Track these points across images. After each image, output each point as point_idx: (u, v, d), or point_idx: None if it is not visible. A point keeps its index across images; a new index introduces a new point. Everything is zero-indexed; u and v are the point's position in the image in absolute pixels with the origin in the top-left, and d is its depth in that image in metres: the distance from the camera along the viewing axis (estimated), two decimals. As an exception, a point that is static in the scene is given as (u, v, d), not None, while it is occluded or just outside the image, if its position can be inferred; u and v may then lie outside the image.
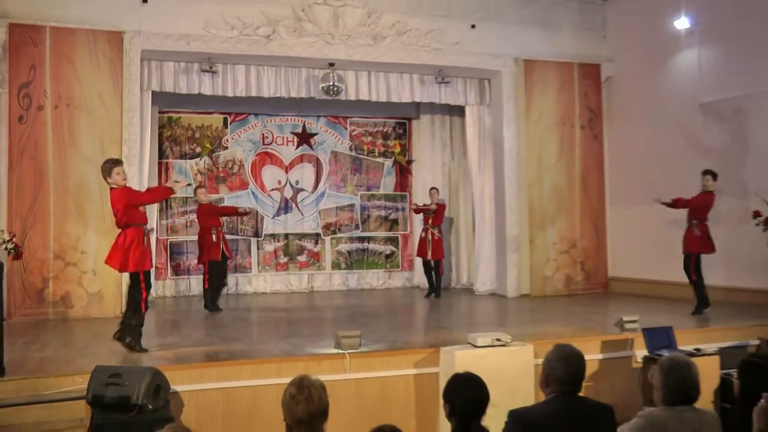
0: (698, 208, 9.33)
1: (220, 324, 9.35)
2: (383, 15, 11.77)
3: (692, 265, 9.30)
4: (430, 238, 12.00)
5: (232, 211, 11.45)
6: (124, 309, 7.84)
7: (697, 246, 9.30)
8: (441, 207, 12.28)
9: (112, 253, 6.97)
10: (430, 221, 12.04)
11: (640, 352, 7.25)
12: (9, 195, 9.82)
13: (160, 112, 12.83)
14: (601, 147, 12.96)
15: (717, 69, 10.73)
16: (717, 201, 9.43)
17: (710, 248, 9.36)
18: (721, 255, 9.65)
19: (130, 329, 7.11)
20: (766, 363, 4.69)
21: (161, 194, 7.79)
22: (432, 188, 12.48)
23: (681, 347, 6.99)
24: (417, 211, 12.52)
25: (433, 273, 12.19)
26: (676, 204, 9.51)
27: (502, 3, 12.44)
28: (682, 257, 9.39)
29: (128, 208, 6.91)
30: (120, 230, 7.01)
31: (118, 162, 7.08)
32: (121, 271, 7.24)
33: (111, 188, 6.97)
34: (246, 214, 11.91)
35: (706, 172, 9.38)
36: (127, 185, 7.17)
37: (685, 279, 9.43)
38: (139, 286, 7.08)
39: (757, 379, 4.45)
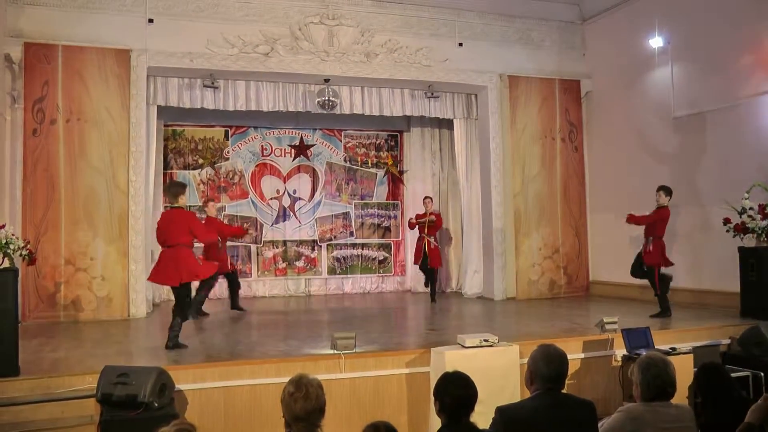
0: (652, 224, 9.24)
1: (221, 326, 9.34)
2: (376, 34, 11.81)
3: (656, 278, 9.29)
4: (426, 246, 11.80)
5: (239, 232, 11.61)
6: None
7: (656, 259, 9.22)
8: (439, 218, 12.21)
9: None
10: (426, 230, 11.85)
11: (620, 352, 7.26)
12: (23, 204, 9.81)
13: (165, 125, 12.85)
14: (582, 158, 12.98)
15: (688, 85, 10.76)
16: (688, 209, 9.41)
17: (666, 263, 9.28)
18: (693, 260, 9.65)
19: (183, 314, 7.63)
20: (719, 367, 4.88)
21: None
22: (426, 197, 12.24)
23: (658, 346, 6.99)
24: (413, 225, 12.14)
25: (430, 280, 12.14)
26: (629, 221, 9.44)
27: (488, 22, 12.47)
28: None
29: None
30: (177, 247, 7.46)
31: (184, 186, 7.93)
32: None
33: (174, 208, 7.60)
34: (246, 233, 12.07)
35: (659, 189, 9.28)
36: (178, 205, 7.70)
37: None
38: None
39: (709, 380, 4.55)
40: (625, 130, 12.05)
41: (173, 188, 7.85)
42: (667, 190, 9.27)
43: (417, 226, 12.07)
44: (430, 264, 11.82)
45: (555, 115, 12.77)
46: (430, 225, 11.84)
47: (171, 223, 7.47)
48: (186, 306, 7.65)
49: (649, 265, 9.27)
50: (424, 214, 12.01)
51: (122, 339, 8.41)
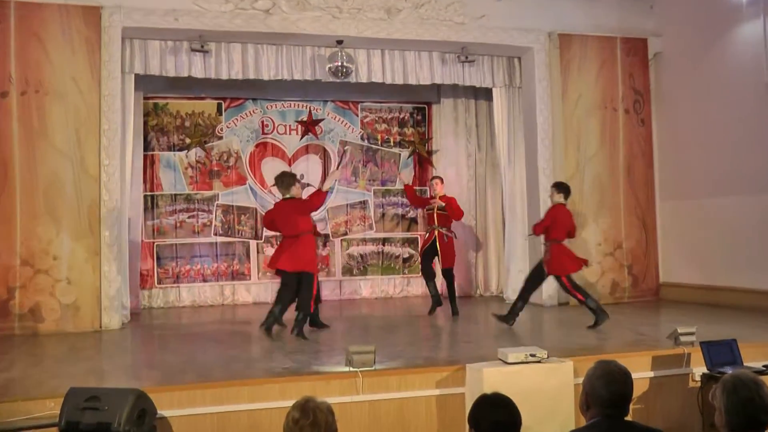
0: (549, 227, 9.61)
1: (215, 339, 9.40)
2: (398, -15, 11.78)
3: (569, 287, 9.59)
4: (438, 241, 11.06)
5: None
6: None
7: (558, 267, 9.53)
8: (454, 205, 11.22)
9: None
10: (436, 220, 11.16)
11: (699, 370, 7.18)
12: (-33, 193, 9.84)
13: (144, 98, 12.86)
14: (649, 133, 12.88)
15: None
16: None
17: (575, 265, 9.64)
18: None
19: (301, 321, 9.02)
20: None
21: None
22: (434, 178, 11.75)
23: (747, 363, 6.92)
24: (418, 202, 12.04)
25: (435, 283, 11.36)
26: (535, 233, 9.88)
27: (534, -31, 12.41)
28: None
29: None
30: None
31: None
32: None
33: (288, 199, 9.15)
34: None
35: (552, 186, 9.88)
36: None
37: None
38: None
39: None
40: (704, 98, 11.91)
41: (286, 179, 9.27)
42: (560, 187, 9.77)
43: (426, 214, 11.62)
44: (443, 263, 11.11)
45: (616, 81, 12.67)
46: (441, 213, 11.11)
47: (291, 214, 9.01)
48: (310, 298, 9.10)
49: (553, 275, 9.65)
50: (430, 199, 11.51)
51: (92, 355, 8.40)
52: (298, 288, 9.08)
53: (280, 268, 9.17)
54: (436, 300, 11.21)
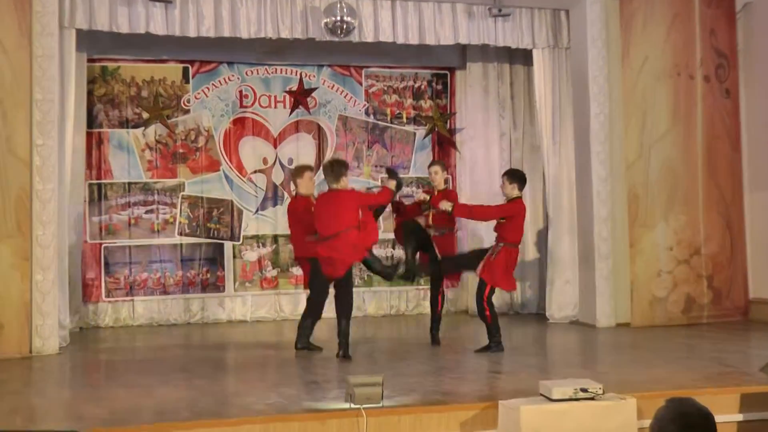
0: (507, 225, 9.95)
1: (179, 368, 9.36)
2: None
3: (485, 297, 9.96)
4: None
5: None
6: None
7: (492, 275, 9.90)
8: (453, 201, 10.59)
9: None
10: (430, 218, 10.74)
11: (801, 411, 7.17)
12: None
13: (89, 61, 12.86)
14: (736, 107, 12.86)
15: None
16: None
17: (505, 283, 10.19)
18: None
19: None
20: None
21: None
22: (433, 164, 11.49)
23: None
24: (406, 211, 11.07)
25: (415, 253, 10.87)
26: (458, 213, 10.32)
27: None
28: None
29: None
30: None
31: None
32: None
33: (334, 190, 9.65)
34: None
35: (503, 175, 10.40)
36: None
37: None
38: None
39: None
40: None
41: (337, 167, 9.73)
42: (514, 176, 10.17)
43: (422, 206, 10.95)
44: (439, 249, 10.58)
45: (693, 40, 12.63)
46: (437, 214, 10.62)
47: (340, 206, 9.47)
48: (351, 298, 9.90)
49: (481, 280, 10.02)
50: (420, 202, 10.96)
51: (19, 388, 8.36)
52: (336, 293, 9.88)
53: (335, 277, 9.68)
54: (413, 267, 10.78)
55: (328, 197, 9.70)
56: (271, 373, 9.21)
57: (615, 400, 6.58)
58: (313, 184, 10.77)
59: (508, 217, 9.87)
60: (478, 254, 10.31)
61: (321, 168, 10.11)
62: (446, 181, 11.79)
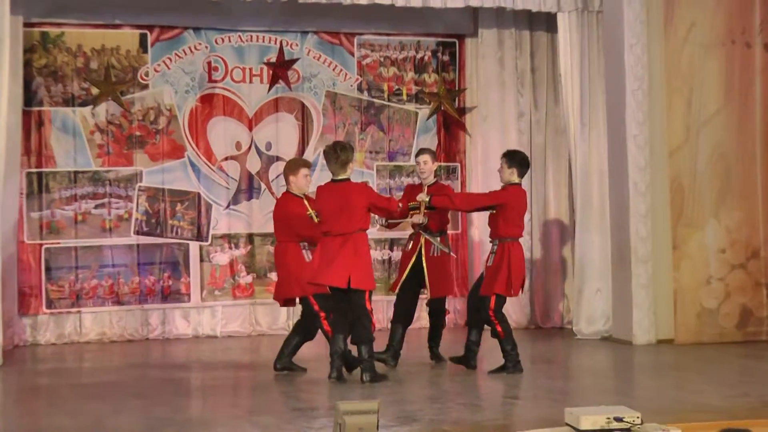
0: (499, 214, 10.04)
1: (135, 392, 9.39)
2: None
3: (491, 309, 10.02)
4: (423, 255, 10.74)
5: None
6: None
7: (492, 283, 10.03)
8: (444, 195, 10.75)
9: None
10: (422, 220, 10.69)
11: None
12: None
13: (26, 25, 12.81)
14: (802, 81, 12.82)
15: None
16: None
17: (507, 289, 10.05)
18: None
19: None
20: None
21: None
22: (422, 151, 11.28)
23: None
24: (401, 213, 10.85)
25: (404, 331, 11.07)
26: (436, 203, 10.32)
27: None
28: None
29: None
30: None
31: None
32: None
33: (340, 181, 9.52)
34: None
35: (502, 156, 10.46)
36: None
37: None
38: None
39: None
40: None
41: (343, 153, 9.51)
42: (513, 159, 10.24)
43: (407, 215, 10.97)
44: (431, 290, 10.78)
45: (750, 3, 12.52)
46: (431, 212, 10.69)
47: (349, 202, 9.31)
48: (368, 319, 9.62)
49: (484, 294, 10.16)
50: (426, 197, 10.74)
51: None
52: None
53: (333, 285, 9.48)
54: (395, 351, 10.94)
55: (333, 189, 9.52)
56: (246, 397, 9.22)
57: (656, 431, 6.53)
58: (309, 183, 10.56)
59: (500, 207, 9.86)
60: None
61: (323, 153, 10.02)
62: (437, 173, 11.53)
